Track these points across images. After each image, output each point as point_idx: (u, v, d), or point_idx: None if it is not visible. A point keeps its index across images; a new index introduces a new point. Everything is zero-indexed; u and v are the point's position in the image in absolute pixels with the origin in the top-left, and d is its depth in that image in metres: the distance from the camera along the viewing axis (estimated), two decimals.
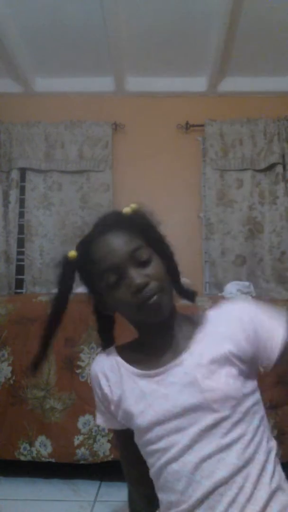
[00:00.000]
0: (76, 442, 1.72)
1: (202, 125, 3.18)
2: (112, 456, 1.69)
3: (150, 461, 0.83)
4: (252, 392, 0.81)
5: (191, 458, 0.76)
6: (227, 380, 0.77)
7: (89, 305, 0.91)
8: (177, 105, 3.27)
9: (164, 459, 0.79)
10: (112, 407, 0.88)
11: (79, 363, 1.78)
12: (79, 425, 1.74)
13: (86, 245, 0.84)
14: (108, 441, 1.70)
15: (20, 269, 3.19)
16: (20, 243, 3.19)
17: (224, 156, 3.13)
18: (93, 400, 0.96)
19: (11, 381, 1.78)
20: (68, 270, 0.85)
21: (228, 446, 0.75)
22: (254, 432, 0.77)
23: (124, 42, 2.74)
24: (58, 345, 1.79)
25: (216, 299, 2.05)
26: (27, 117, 3.20)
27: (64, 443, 1.73)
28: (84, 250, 0.84)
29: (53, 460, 1.73)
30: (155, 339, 0.86)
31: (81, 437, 1.72)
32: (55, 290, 0.87)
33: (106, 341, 0.96)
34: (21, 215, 3.19)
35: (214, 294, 2.94)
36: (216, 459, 0.75)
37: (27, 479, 1.78)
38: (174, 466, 0.77)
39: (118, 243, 0.81)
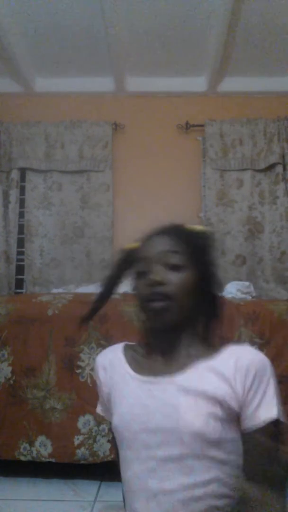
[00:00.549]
0: (76, 442, 1.72)
1: (202, 125, 3.19)
2: (112, 456, 1.69)
3: (121, 466, 0.83)
4: (232, 441, 0.75)
5: (153, 484, 0.74)
6: (207, 419, 0.73)
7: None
8: (177, 105, 3.27)
9: (129, 473, 0.79)
10: (105, 399, 0.90)
11: (79, 363, 1.78)
12: (79, 425, 1.74)
13: (142, 240, 0.89)
14: (108, 441, 1.70)
15: (20, 269, 3.19)
16: (20, 243, 3.19)
17: (224, 156, 3.13)
18: (93, 400, 0.97)
19: (11, 381, 1.78)
20: (124, 257, 0.92)
21: (190, 487, 0.72)
22: (221, 483, 0.73)
23: (124, 42, 2.74)
24: (58, 345, 1.79)
25: None
26: (27, 117, 3.21)
27: (64, 443, 1.73)
28: (140, 245, 0.89)
29: (53, 460, 1.73)
30: (156, 344, 0.86)
31: (81, 437, 1.72)
32: (104, 275, 0.94)
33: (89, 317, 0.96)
34: (21, 215, 3.19)
35: None
36: (176, 498, 0.72)
37: (27, 479, 1.78)
38: (136, 484, 0.77)
39: (160, 242, 0.84)
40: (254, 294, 2.79)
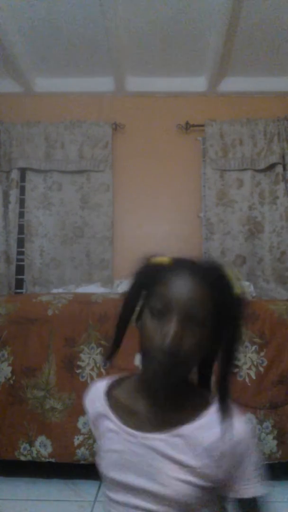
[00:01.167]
0: (76, 442, 1.72)
1: (202, 125, 3.19)
2: None
3: (104, 494, 0.81)
4: (210, 502, 0.74)
5: None
6: (184, 486, 0.71)
7: (121, 305, 0.83)
8: (177, 105, 3.27)
9: (112, 505, 0.77)
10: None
11: (79, 363, 1.78)
12: (79, 425, 1.74)
13: (177, 263, 0.76)
14: None
15: (20, 269, 3.19)
16: (20, 243, 3.19)
17: (224, 156, 3.13)
18: None
19: (11, 381, 1.78)
20: (153, 270, 0.77)
21: None
22: None
23: (124, 42, 2.74)
24: (58, 345, 1.79)
25: None
26: (27, 117, 3.21)
27: (64, 443, 1.73)
28: (171, 265, 0.76)
29: (53, 460, 1.73)
30: (145, 394, 0.78)
31: (81, 437, 1.72)
32: (124, 284, 0.82)
33: (112, 353, 0.86)
34: (21, 215, 3.19)
35: None
36: None
37: (27, 479, 1.78)
38: None
39: (193, 291, 0.71)
40: (254, 294, 2.80)
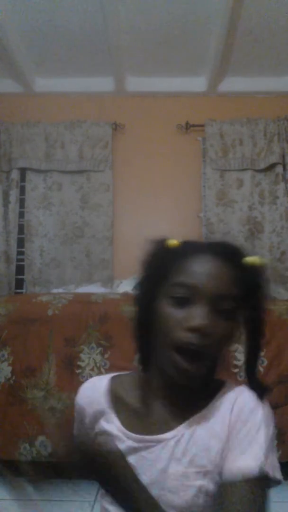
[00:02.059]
0: None
1: (202, 125, 3.18)
2: None
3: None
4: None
5: None
6: (197, 495, 0.65)
7: (135, 305, 0.74)
8: (177, 105, 3.27)
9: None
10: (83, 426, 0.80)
11: (79, 363, 1.78)
12: None
13: (189, 246, 0.71)
14: None
15: (20, 269, 3.19)
16: (20, 243, 3.19)
17: (224, 156, 3.13)
18: None
19: (11, 381, 1.78)
20: (160, 254, 0.72)
21: None
22: None
23: (124, 42, 2.74)
24: (58, 345, 1.79)
25: None
26: (27, 117, 3.21)
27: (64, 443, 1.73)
28: (183, 249, 0.71)
29: (53, 460, 1.73)
30: (161, 392, 0.72)
31: None
32: (137, 277, 0.74)
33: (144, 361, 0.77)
34: (21, 215, 3.19)
35: None
36: None
37: (27, 479, 1.78)
38: None
39: (217, 273, 0.66)
40: None
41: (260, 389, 0.70)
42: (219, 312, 0.65)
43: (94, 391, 0.78)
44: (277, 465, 0.65)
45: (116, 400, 0.75)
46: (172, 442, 0.68)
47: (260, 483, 0.61)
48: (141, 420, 0.72)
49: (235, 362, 1.55)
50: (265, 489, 0.62)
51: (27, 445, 1.74)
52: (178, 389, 0.70)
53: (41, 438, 1.75)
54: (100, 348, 1.79)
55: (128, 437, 0.70)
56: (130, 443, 0.70)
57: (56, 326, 1.81)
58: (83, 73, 3.14)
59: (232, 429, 0.66)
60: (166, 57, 2.94)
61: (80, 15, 2.50)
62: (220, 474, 0.65)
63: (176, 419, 0.70)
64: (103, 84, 3.20)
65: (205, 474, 0.66)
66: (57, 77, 3.19)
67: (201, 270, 0.66)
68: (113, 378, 0.80)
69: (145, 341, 0.74)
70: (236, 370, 1.59)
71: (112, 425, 0.73)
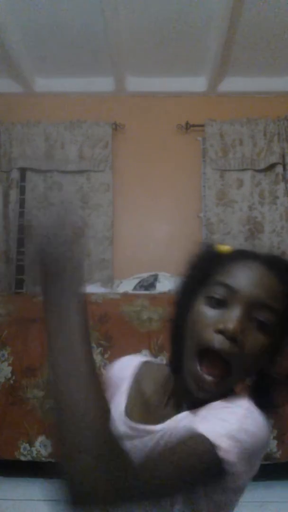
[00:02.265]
0: None
1: (202, 125, 3.18)
2: None
3: None
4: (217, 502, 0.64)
5: None
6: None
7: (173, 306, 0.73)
8: (177, 105, 3.27)
9: None
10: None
11: None
12: None
13: (241, 252, 0.70)
14: None
15: (20, 269, 3.19)
16: (20, 243, 3.19)
17: (224, 156, 3.13)
18: None
19: (11, 381, 1.78)
20: (209, 257, 0.70)
21: None
22: None
23: (124, 42, 2.74)
24: None
25: None
26: (27, 117, 3.21)
27: None
28: (234, 254, 0.70)
29: (53, 460, 1.73)
30: (174, 395, 0.71)
31: None
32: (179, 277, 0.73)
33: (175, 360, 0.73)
34: (21, 215, 3.19)
35: None
36: None
37: (27, 479, 1.78)
38: None
39: (261, 281, 0.64)
40: None
41: (269, 407, 0.66)
42: (255, 322, 0.61)
43: (128, 364, 0.80)
44: (242, 467, 0.57)
45: (135, 383, 0.75)
46: (158, 435, 0.67)
47: (203, 448, 0.54)
48: (147, 411, 0.72)
49: None
50: (205, 458, 0.54)
51: (27, 445, 1.75)
52: (194, 398, 0.65)
53: (41, 438, 1.75)
54: (100, 348, 1.78)
55: (124, 423, 0.70)
56: (125, 429, 0.70)
57: None
58: (83, 73, 3.14)
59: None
60: (166, 57, 2.94)
61: (80, 15, 2.50)
62: None
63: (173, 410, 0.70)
64: (103, 84, 3.20)
65: None
66: (57, 77, 3.18)
67: (245, 274, 0.64)
68: (145, 362, 0.80)
69: (178, 342, 0.70)
70: None
71: (116, 405, 0.72)
